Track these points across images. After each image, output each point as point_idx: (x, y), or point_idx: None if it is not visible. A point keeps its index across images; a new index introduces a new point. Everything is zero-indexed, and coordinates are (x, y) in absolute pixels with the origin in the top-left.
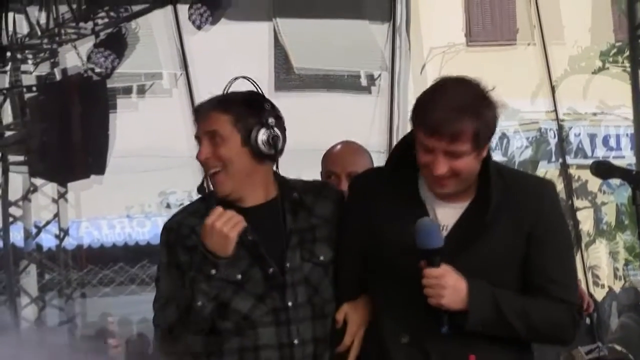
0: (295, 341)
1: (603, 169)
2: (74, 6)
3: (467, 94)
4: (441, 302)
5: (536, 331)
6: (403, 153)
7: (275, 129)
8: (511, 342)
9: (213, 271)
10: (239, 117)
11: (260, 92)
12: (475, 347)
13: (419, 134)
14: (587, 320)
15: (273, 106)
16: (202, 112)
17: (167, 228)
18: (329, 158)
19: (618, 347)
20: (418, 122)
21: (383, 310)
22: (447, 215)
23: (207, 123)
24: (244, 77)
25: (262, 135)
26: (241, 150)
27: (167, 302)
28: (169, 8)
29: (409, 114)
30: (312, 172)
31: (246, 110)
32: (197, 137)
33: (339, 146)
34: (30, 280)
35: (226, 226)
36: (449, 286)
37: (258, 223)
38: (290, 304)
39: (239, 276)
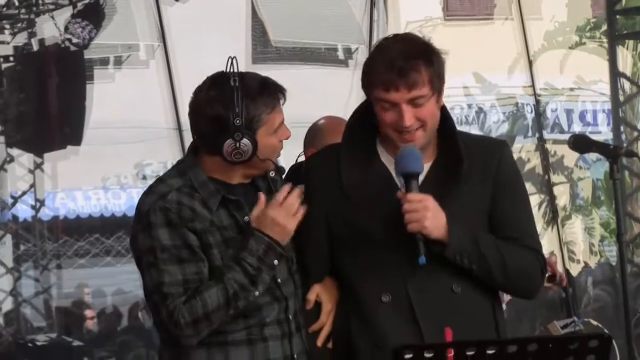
0: (290, 316)
1: (581, 143)
2: None
3: (412, 44)
4: (424, 224)
5: (507, 271)
6: (359, 124)
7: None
8: (489, 303)
9: (276, 262)
10: None
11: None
12: (461, 304)
13: (377, 94)
14: (563, 295)
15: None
16: None
17: (164, 208)
18: (316, 132)
19: (594, 322)
20: (373, 82)
21: (359, 275)
22: None
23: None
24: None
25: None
26: None
27: (189, 291)
28: None
29: None
30: (289, 146)
31: None
32: None
33: (322, 121)
34: (5, 250)
35: (288, 220)
36: (432, 208)
37: (245, 201)
38: (279, 280)
39: None
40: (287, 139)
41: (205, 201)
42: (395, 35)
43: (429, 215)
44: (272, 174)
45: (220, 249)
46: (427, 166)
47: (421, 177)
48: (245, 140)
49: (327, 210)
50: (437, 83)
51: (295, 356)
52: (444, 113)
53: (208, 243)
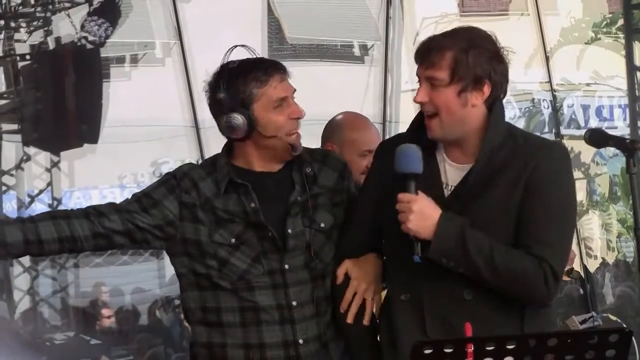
0: (294, 303)
1: (597, 137)
2: None
3: (463, 31)
4: (408, 225)
5: (499, 276)
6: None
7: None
8: (506, 310)
9: None
10: None
11: (257, 58)
12: (472, 311)
13: None
14: (581, 291)
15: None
16: None
17: (171, 173)
18: (334, 127)
19: (613, 317)
20: None
21: (390, 269)
22: (454, 175)
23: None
24: (242, 45)
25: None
26: None
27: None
28: None
29: (403, 84)
30: (307, 142)
31: None
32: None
33: (340, 116)
34: None
35: None
36: (416, 211)
37: (264, 189)
38: (287, 267)
39: (233, 240)
40: (298, 118)
41: (218, 182)
42: (467, 26)
43: (412, 217)
44: (308, 169)
45: (210, 227)
46: (467, 167)
47: (457, 179)
48: (234, 114)
49: (378, 196)
50: (462, 75)
51: (300, 342)
52: (494, 116)
53: (197, 217)
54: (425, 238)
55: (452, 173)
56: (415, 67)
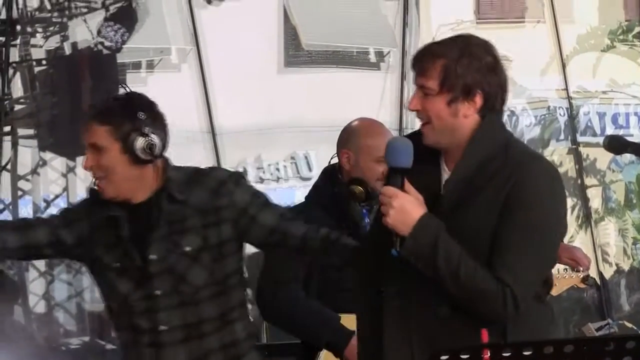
0: (161, 327)
1: (616, 144)
2: None
3: (458, 39)
4: (387, 219)
5: (461, 289)
6: None
7: (152, 135)
8: (486, 324)
9: None
10: (116, 128)
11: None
12: (450, 327)
13: None
14: (596, 297)
15: (150, 108)
16: (85, 124)
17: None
18: (350, 134)
19: (629, 324)
20: None
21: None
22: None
23: (88, 135)
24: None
25: (139, 144)
26: (121, 158)
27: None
28: None
29: None
30: (323, 148)
31: (122, 120)
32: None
33: (356, 122)
34: None
35: None
36: (397, 207)
37: (139, 218)
38: (158, 292)
39: (116, 264)
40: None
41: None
42: (460, 35)
43: (391, 213)
44: (165, 194)
45: (104, 250)
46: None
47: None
48: None
49: None
50: (451, 84)
51: None
52: (482, 127)
53: (99, 239)
54: (403, 235)
55: (449, 179)
56: None
